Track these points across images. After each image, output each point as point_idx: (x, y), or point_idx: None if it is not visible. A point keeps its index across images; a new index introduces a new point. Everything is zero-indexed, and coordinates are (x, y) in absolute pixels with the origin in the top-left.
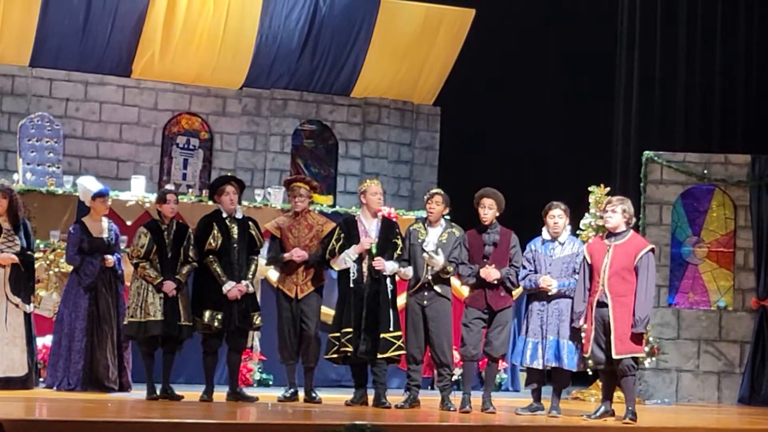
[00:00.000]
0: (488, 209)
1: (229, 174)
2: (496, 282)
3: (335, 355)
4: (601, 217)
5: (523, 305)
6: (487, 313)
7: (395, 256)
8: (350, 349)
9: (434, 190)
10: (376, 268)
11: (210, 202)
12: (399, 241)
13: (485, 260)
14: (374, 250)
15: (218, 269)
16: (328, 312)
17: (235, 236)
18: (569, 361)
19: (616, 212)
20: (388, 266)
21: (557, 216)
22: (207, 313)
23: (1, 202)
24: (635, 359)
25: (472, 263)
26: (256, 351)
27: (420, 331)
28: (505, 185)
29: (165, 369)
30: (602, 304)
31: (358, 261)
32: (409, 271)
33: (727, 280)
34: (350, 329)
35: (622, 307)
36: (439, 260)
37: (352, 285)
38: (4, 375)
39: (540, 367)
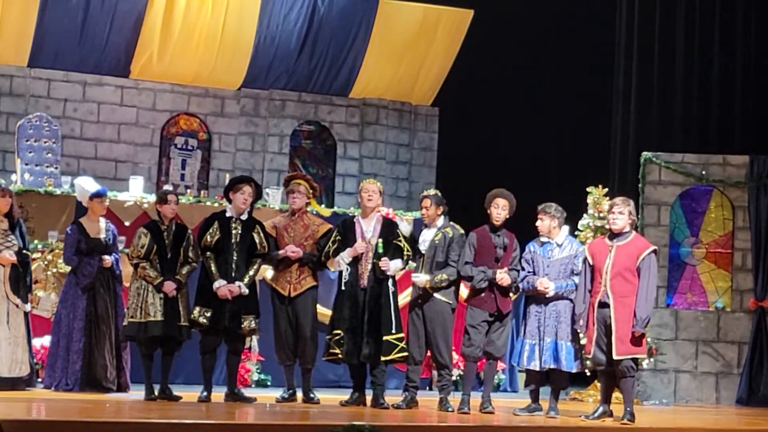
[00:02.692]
0: (502, 209)
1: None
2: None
3: (326, 357)
4: (600, 218)
5: (521, 306)
6: (493, 315)
7: (404, 257)
8: (338, 351)
9: (423, 193)
10: (382, 268)
11: (208, 203)
12: (402, 242)
13: (496, 263)
14: (380, 250)
15: (212, 266)
16: (324, 312)
17: (237, 237)
18: (568, 362)
19: (623, 214)
20: (392, 266)
21: (540, 219)
22: (197, 309)
23: (5, 200)
24: (635, 360)
25: (481, 264)
26: (255, 352)
27: (421, 332)
28: (503, 186)
29: (163, 369)
30: (604, 305)
31: (353, 264)
32: (420, 278)
33: (725, 280)
34: (340, 331)
35: (624, 308)
36: (421, 279)
37: (344, 288)
38: (9, 375)
39: (537, 369)
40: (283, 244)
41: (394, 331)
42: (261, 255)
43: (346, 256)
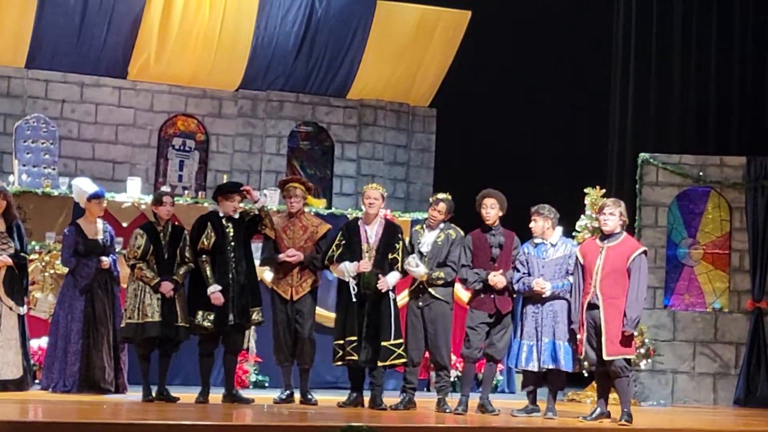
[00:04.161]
0: (491, 209)
1: (233, 181)
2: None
3: (340, 362)
4: (597, 219)
5: (519, 308)
6: (493, 317)
7: (392, 260)
8: (355, 357)
9: (440, 196)
10: (381, 289)
11: (205, 204)
12: (397, 245)
13: (492, 263)
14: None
15: (208, 270)
16: (322, 313)
17: (231, 235)
18: (566, 362)
19: (614, 215)
20: (390, 281)
21: (534, 220)
22: (199, 314)
23: (1, 202)
24: (627, 360)
25: (478, 265)
26: (252, 353)
27: (420, 333)
28: (500, 187)
29: (161, 371)
30: (593, 306)
31: (358, 276)
32: (419, 269)
33: (722, 281)
34: (354, 337)
35: (614, 309)
36: (419, 271)
37: (354, 299)
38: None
39: (535, 370)
40: (282, 245)
41: (392, 338)
42: (263, 227)
43: (352, 270)
